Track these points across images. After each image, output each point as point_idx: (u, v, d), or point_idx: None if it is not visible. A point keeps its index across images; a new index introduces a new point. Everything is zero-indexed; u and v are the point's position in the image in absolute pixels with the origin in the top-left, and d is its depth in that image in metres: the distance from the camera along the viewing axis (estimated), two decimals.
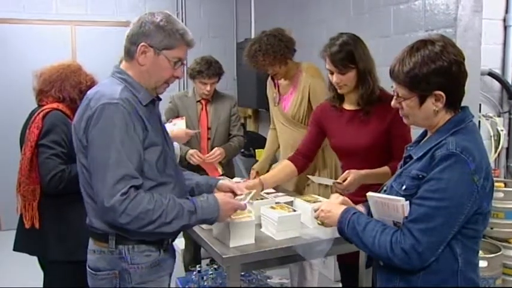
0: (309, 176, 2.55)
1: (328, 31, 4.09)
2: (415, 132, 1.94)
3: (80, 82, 2.47)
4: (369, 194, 1.63)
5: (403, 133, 2.29)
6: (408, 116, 1.63)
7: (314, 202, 2.24)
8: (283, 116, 3.12)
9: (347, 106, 2.48)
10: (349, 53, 2.31)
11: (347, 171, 2.30)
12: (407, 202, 1.52)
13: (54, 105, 2.41)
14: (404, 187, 1.58)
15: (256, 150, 4.98)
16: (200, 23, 5.97)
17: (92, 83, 2.50)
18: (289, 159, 2.63)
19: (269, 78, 3.30)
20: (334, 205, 1.79)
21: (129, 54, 1.79)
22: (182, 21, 5.91)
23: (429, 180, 1.50)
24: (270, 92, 3.28)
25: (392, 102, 1.64)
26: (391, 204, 1.55)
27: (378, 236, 1.56)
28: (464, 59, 1.57)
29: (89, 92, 1.77)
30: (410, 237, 1.49)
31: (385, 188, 1.69)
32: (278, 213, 2.11)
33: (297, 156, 2.63)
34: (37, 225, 2.34)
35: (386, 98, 2.28)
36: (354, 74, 2.34)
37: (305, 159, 2.63)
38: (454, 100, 1.58)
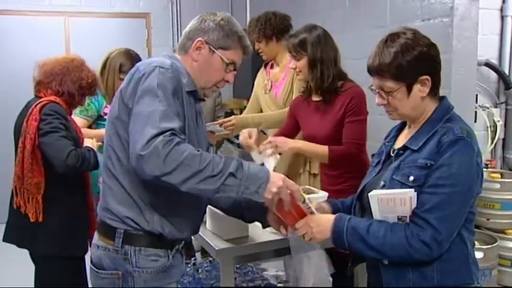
0: None
1: (324, 22, 4.03)
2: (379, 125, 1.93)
3: (81, 78, 2.43)
4: (372, 193, 1.57)
5: (354, 121, 2.38)
6: (396, 109, 1.62)
7: (309, 194, 2.21)
8: (275, 103, 3.12)
9: (314, 97, 2.56)
10: (302, 40, 2.44)
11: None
12: (416, 193, 1.51)
13: (52, 97, 2.37)
14: (412, 178, 1.54)
15: None
16: (195, 14, 5.88)
17: (94, 81, 2.49)
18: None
19: (261, 69, 3.29)
20: (319, 218, 1.69)
21: (184, 48, 1.75)
22: (177, 13, 6.01)
23: (440, 167, 1.49)
24: (261, 80, 3.27)
25: (378, 100, 1.63)
26: (397, 199, 1.52)
27: (389, 235, 1.52)
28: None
29: (137, 64, 1.67)
30: (429, 228, 1.47)
31: (383, 183, 1.63)
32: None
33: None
34: (41, 219, 2.29)
35: (346, 88, 2.41)
36: (306, 61, 2.44)
37: None
38: (437, 84, 1.61)
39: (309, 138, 2.59)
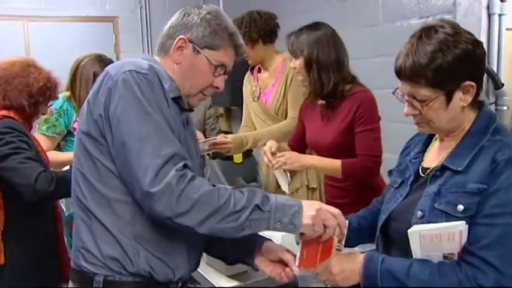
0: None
1: (309, 21, 3.81)
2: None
3: (28, 84, 2.05)
4: (413, 230, 1.28)
5: (366, 130, 2.15)
6: (430, 122, 1.34)
7: None
8: (265, 112, 2.85)
9: (320, 101, 2.32)
10: (300, 38, 2.24)
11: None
12: (467, 226, 1.22)
13: (3, 112, 2.00)
14: (461, 207, 1.25)
15: None
16: (165, 17, 5.54)
17: (45, 84, 2.10)
18: None
19: (248, 72, 3.01)
20: (343, 261, 1.40)
21: (164, 48, 1.49)
22: (146, 16, 5.68)
23: (496, 191, 1.22)
24: (248, 86, 2.99)
25: (407, 110, 1.36)
26: (444, 234, 1.23)
27: (436, 280, 1.23)
28: None
29: (107, 68, 1.40)
30: (490, 269, 1.19)
31: (420, 213, 1.32)
32: None
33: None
34: (2, 260, 1.92)
35: (352, 92, 2.15)
36: (302, 61, 2.22)
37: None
38: (479, 90, 1.32)
39: (310, 145, 2.36)
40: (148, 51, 5.39)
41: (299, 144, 2.44)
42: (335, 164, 2.15)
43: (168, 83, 1.40)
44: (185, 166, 1.26)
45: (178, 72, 1.46)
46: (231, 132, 5.41)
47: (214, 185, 1.28)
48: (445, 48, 1.26)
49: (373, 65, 3.34)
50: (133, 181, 1.26)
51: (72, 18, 5.16)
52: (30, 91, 2.05)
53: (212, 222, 1.24)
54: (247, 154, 3.64)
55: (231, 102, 4.76)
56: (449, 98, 1.29)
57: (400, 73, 1.33)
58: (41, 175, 1.87)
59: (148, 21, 5.52)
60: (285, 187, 2.24)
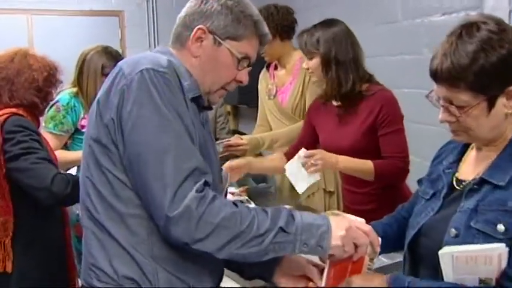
0: (285, 166, 2.14)
1: (322, 18, 3.68)
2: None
3: (33, 79, 1.89)
4: (444, 252, 1.15)
5: (391, 132, 2.04)
6: (469, 130, 1.20)
7: None
8: (281, 111, 2.72)
9: (334, 102, 2.18)
10: (314, 36, 2.09)
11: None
12: (507, 249, 1.10)
13: (12, 109, 1.85)
14: (502, 228, 1.12)
15: None
16: (172, 11, 5.44)
17: (49, 72, 1.95)
18: (284, 154, 2.34)
19: (263, 69, 2.87)
20: (365, 279, 1.28)
21: (180, 40, 1.32)
22: (152, 12, 5.54)
23: None
24: (264, 84, 2.85)
25: (442, 117, 1.23)
26: (481, 256, 1.11)
27: None
28: None
29: (119, 63, 1.24)
30: None
31: (454, 231, 1.20)
32: None
33: (291, 152, 2.32)
34: (9, 269, 1.77)
35: (371, 92, 2.02)
36: (318, 60, 2.08)
37: None
38: None
39: (326, 149, 2.19)
40: (154, 47, 5.24)
41: (297, 146, 2.29)
42: (367, 165, 2.02)
43: (188, 81, 1.25)
44: (206, 184, 1.13)
45: (198, 66, 1.30)
46: (238, 131, 5.30)
47: (236, 204, 1.15)
48: (488, 48, 1.12)
49: (391, 63, 3.21)
50: (149, 198, 1.12)
51: (77, 12, 5.06)
52: (37, 86, 1.91)
53: (233, 248, 1.12)
54: (257, 154, 3.51)
55: (239, 100, 4.65)
56: (491, 105, 1.16)
57: (436, 75, 1.19)
58: (57, 176, 1.73)
59: (155, 15, 5.40)
60: (301, 187, 2.11)
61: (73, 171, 2.38)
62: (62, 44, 4.55)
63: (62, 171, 1.80)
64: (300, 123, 2.55)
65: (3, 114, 1.82)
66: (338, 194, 2.58)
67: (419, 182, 1.49)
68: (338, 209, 2.53)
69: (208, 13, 1.29)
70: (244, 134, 4.22)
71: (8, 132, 1.77)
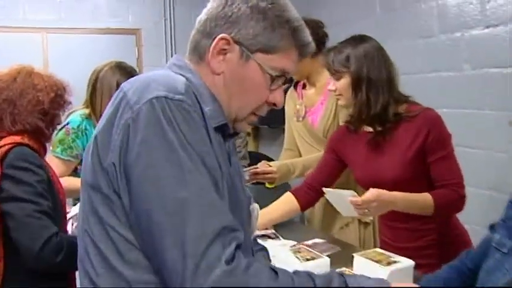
0: (324, 189, 1.90)
1: (350, 33, 3.48)
2: None
3: (38, 101, 1.67)
4: None
5: (444, 156, 1.81)
6: None
7: (382, 263, 1.58)
8: (311, 133, 2.48)
9: (366, 128, 1.95)
10: (343, 53, 1.87)
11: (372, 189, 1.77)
12: None
13: (16, 138, 1.64)
14: None
15: None
16: (191, 30, 5.28)
17: (56, 92, 1.73)
18: (293, 191, 2.11)
19: (290, 89, 2.64)
20: None
21: (198, 50, 1.06)
22: (170, 28, 5.39)
23: None
24: (292, 104, 2.61)
25: None
26: None
27: None
28: None
29: (123, 85, 1.00)
30: None
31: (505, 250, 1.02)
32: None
33: (303, 188, 2.12)
34: None
35: (413, 114, 1.79)
36: (348, 80, 1.85)
37: (312, 193, 2.10)
38: None
39: (364, 184, 1.94)
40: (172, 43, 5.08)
41: (316, 179, 2.08)
42: (426, 199, 1.77)
43: (210, 106, 1.01)
44: (237, 247, 0.88)
45: (221, 86, 1.05)
46: (258, 152, 5.07)
47: (275, 271, 0.90)
48: None
49: (427, 80, 2.98)
50: (163, 268, 0.88)
51: (93, 31, 4.91)
52: (42, 109, 1.69)
53: None
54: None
55: (260, 120, 4.42)
56: None
57: None
58: (50, 241, 1.49)
59: (172, 34, 5.25)
60: (345, 212, 1.88)
61: None
62: (77, 62, 4.37)
63: (58, 233, 1.55)
64: None
65: (5, 145, 1.60)
66: (374, 226, 2.32)
67: (492, 228, 1.25)
68: (374, 242, 2.28)
69: (234, 18, 1.02)
70: (267, 157, 3.99)
71: (9, 167, 1.55)
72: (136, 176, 0.88)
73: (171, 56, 5.29)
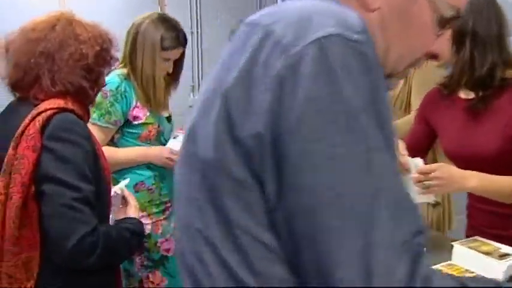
0: None
1: None
2: None
3: (82, 55, 1.42)
4: None
5: None
6: None
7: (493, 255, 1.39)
8: None
9: (462, 94, 1.73)
10: None
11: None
12: None
13: (59, 101, 1.39)
14: None
15: None
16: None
17: (102, 45, 1.49)
18: None
19: None
20: None
21: None
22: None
23: None
24: None
25: None
26: None
27: None
28: None
29: (255, 18, 0.71)
30: None
31: None
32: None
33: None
34: None
35: None
36: (448, 35, 1.56)
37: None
38: None
39: (454, 156, 1.74)
40: (198, 28, 4.78)
41: (415, 154, 1.83)
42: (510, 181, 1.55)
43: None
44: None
45: (376, 27, 0.75)
46: None
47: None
48: None
49: None
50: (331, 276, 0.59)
51: None
52: (86, 64, 1.44)
53: None
54: None
55: None
56: None
57: None
58: (84, 240, 1.27)
59: None
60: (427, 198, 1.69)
61: None
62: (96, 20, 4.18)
63: (97, 229, 1.32)
64: (405, 119, 2.08)
65: (46, 109, 1.35)
66: (444, 207, 2.11)
67: None
68: (450, 224, 2.07)
69: None
70: None
71: (51, 138, 1.32)
72: (297, 151, 0.60)
73: (196, 17, 5.13)
